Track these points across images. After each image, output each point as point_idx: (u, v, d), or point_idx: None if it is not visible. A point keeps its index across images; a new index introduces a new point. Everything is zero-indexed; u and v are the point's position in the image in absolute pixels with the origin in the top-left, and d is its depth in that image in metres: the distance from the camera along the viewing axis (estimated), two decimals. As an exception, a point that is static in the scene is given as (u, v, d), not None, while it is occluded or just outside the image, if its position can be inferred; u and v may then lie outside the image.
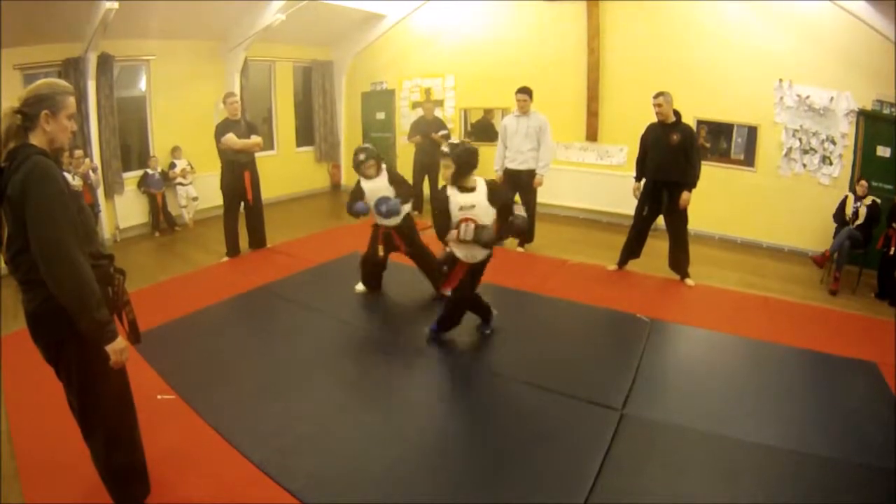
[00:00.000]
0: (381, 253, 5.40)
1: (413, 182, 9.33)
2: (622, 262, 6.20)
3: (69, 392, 2.39)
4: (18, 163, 2.08)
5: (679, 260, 5.88)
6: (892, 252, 5.66)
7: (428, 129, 9.11)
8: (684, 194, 5.58)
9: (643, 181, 5.89)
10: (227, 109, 6.58)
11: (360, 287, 5.71)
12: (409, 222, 5.46)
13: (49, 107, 2.19)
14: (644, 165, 5.87)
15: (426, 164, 9.26)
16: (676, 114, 5.60)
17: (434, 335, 4.49)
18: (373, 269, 5.61)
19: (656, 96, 5.57)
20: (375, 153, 5.29)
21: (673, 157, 5.53)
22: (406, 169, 10.78)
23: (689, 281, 5.84)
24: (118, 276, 2.46)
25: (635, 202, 5.91)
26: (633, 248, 6.11)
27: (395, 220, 5.29)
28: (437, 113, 9.74)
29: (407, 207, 5.35)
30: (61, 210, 2.09)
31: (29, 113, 2.16)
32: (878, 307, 5.45)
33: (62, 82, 2.31)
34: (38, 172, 2.08)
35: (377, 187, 5.23)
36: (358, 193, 5.26)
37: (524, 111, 6.78)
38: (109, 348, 2.25)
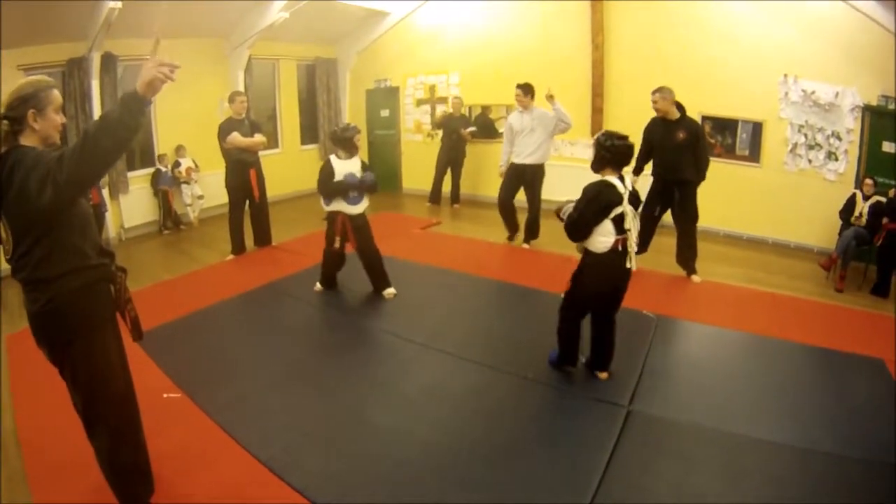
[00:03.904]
0: (337, 244, 5.31)
1: (435, 177, 9.41)
2: None
3: (73, 392, 2.40)
4: (11, 164, 2.07)
5: (686, 256, 5.85)
6: (879, 243, 5.67)
7: (456, 126, 9.16)
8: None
9: (641, 176, 5.87)
10: (235, 108, 6.59)
11: (318, 287, 5.68)
12: (366, 220, 5.38)
13: (34, 105, 2.17)
14: (644, 160, 5.82)
15: (451, 159, 9.36)
16: (681, 109, 5.53)
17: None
18: (335, 265, 5.57)
19: (653, 92, 5.51)
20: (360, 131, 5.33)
21: (680, 156, 5.48)
22: (411, 166, 10.90)
23: (695, 277, 5.82)
24: (120, 274, 2.46)
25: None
26: (640, 243, 6.02)
27: (357, 208, 5.24)
28: (441, 108, 9.77)
29: (366, 202, 5.31)
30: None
31: (15, 116, 2.15)
32: (884, 303, 5.43)
33: (43, 78, 2.29)
34: (33, 153, 2.09)
35: (352, 169, 5.17)
36: (329, 172, 5.12)
37: (523, 106, 6.80)
38: (145, 83, 2.08)
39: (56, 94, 2.27)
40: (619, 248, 3.54)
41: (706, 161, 5.54)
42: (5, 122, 2.14)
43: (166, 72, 2.06)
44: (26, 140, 2.17)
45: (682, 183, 5.57)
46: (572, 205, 3.65)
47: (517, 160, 6.88)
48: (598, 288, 3.68)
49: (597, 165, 3.65)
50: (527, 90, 6.74)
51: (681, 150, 5.46)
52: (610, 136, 3.61)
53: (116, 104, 2.07)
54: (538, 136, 6.74)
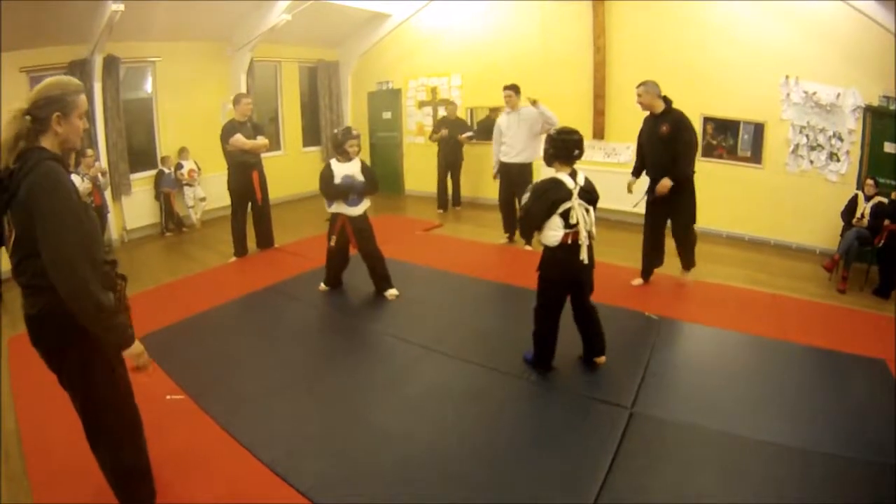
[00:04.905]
0: (332, 243, 5.37)
1: (438, 181, 9.47)
2: (646, 274, 5.80)
3: (73, 398, 2.38)
4: (29, 167, 2.05)
5: (682, 250, 5.61)
6: (878, 244, 5.67)
7: (452, 129, 9.16)
8: (664, 180, 5.20)
9: (641, 178, 5.65)
10: (240, 110, 6.62)
11: (323, 286, 5.72)
12: (367, 223, 5.41)
13: (60, 108, 2.14)
14: (640, 161, 5.65)
15: (450, 162, 9.37)
16: (667, 102, 5.27)
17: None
18: (338, 266, 5.62)
19: (637, 86, 5.33)
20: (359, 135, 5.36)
21: (665, 151, 5.20)
22: (412, 168, 10.91)
23: (688, 277, 5.67)
24: (120, 282, 2.42)
25: (643, 200, 5.73)
26: (652, 257, 5.71)
27: (356, 210, 5.28)
28: (442, 111, 9.79)
29: (366, 203, 5.35)
30: (72, 224, 2.06)
31: (39, 116, 2.11)
32: (886, 304, 5.41)
33: (72, 80, 2.26)
34: (48, 182, 2.05)
35: (351, 172, 5.22)
36: (329, 175, 5.20)
37: (512, 107, 6.98)
38: (127, 353, 2.27)
39: (83, 100, 2.24)
40: (570, 242, 3.65)
41: (686, 154, 5.16)
42: (28, 118, 2.11)
43: (146, 370, 2.38)
44: (46, 142, 2.14)
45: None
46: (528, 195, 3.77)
47: (505, 159, 7.06)
48: (557, 280, 3.80)
49: (546, 160, 3.80)
50: (516, 90, 6.94)
51: (665, 145, 5.19)
52: (558, 130, 3.79)
53: (111, 321, 2.17)
54: (524, 135, 6.89)
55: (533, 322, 3.96)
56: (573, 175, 3.68)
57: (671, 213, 5.48)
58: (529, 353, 4.10)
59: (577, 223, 3.62)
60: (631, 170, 5.80)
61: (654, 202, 5.50)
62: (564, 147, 3.68)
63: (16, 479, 3.01)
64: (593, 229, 3.74)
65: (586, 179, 3.74)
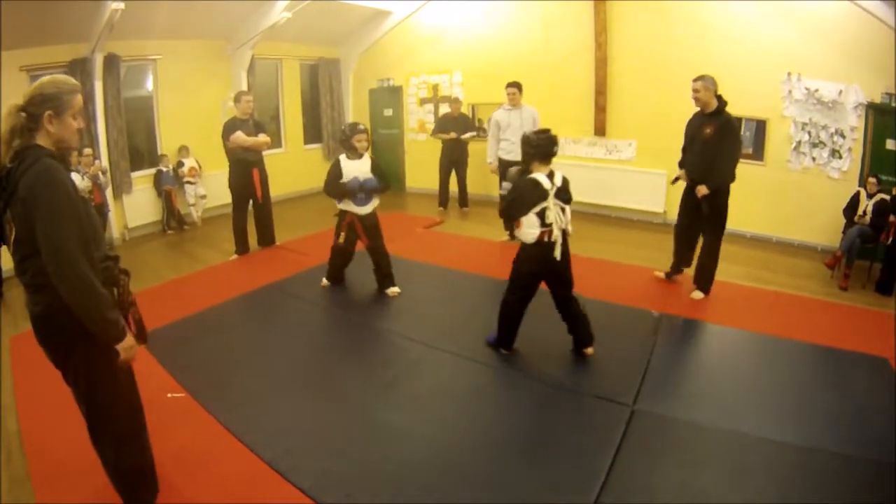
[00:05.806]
0: (341, 241, 5.40)
1: (440, 178, 9.40)
2: (672, 272, 5.67)
3: (77, 397, 2.39)
4: (27, 165, 2.05)
5: (701, 270, 5.33)
6: (888, 241, 5.64)
7: (455, 127, 9.13)
8: (700, 187, 5.03)
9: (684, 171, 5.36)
10: (241, 108, 6.61)
11: (325, 281, 5.74)
12: (376, 219, 5.43)
13: (53, 107, 2.14)
14: (685, 156, 5.38)
15: (453, 160, 9.31)
16: (720, 101, 4.97)
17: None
18: (341, 262, 5.63)
19: (694, 80, 5.00)
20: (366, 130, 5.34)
21: (704, 153, 4.99)
22: (414, 165, 10.89)
23: (695, 294, 5.33)
24: (123, 277, 2.42)
25: (644, 196, 5.66)
26: (681, 257, 5.57)
27: (366, 209, 5.29)
28: (445, 108, 9.75)
29: (375, 202, 5.36)
30: (70, 219, 2.07)
31: (33, 113, 2.12)
32: (889, 301, 5.39)
33: (68, 79, 2.26)
34: (47, 178, 2.05)
35: (361, 170, 5.20)
36: (337, 173, 5.18)
37: (515, 104, 6.94)
38: (119, 347, 2.26)
39: (78, 100, 2.24)
40: (546, 240, 3.80)
41: (727, 161, 4.95)
42: (23, 114, 2.11)
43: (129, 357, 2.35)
44: (41, 139, 2.15)
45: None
46: (510, 185, 4.00)
47: (509, 157, 6.98)
48: (532, 273, 3.99)
49: (525, 160, 3.94)
50: (519, 87, 6.93)
51: (707, 148, 4.96)
52: (535, 131, 3.98)
53: (106, 314, 2.19)
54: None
55: (500, 307, 4.15)
56: (550, 176, 3.83)
57: (702, 215, 5.23)
58: (491, 336, 4.32)
59: (550, 223, 3.78)
60: (632, 168, 5.71)
61: (686, 203, 5.36)
62: (544, 146, 3.85)
63: (17, 479, 3.01)
64: (569, 227, 3.90)
65: (563, 179, 3.90)
